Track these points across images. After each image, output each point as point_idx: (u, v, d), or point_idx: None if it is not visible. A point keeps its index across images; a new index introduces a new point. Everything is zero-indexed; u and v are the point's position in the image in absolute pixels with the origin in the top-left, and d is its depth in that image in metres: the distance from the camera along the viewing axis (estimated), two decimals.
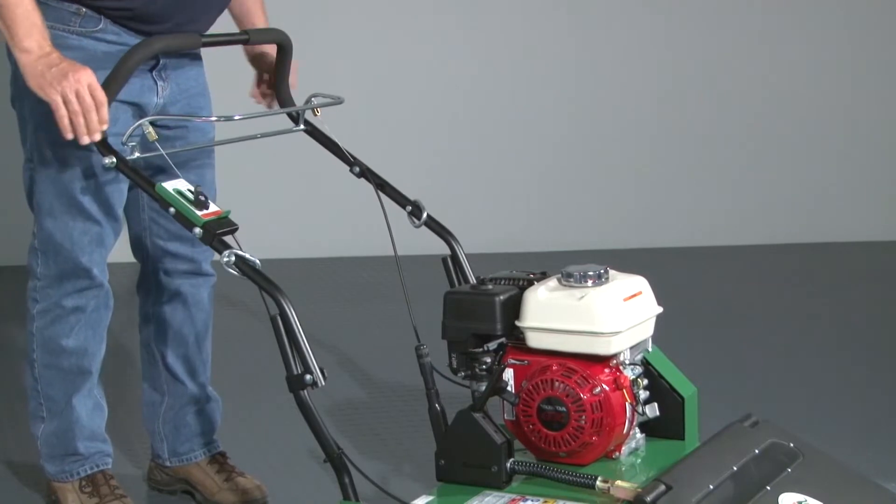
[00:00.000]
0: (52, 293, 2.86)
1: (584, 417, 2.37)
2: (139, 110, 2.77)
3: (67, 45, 2.68)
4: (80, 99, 2.46)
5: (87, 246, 2.82)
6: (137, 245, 3.04)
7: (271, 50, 2.91)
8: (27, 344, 2.95)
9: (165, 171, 2.79)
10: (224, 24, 2.88)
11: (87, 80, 2.47)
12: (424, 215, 2.77)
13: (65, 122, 2.48)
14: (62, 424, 2.95)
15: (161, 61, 2.77)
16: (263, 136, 2.77)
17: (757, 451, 2.34)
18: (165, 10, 2.68)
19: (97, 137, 2.50)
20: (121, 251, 3.04)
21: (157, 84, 2.78)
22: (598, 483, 2.25)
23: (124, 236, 3.01)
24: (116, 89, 2.59)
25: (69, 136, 2.50)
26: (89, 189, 2.77)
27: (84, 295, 2.87)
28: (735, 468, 2.27)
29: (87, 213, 2.79)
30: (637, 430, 2.52)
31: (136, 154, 2.56)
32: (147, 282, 3.07)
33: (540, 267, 2.64)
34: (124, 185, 2.83)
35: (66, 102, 2.46)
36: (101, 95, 2.49)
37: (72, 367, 2.92)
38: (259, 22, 2.99)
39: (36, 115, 2.72)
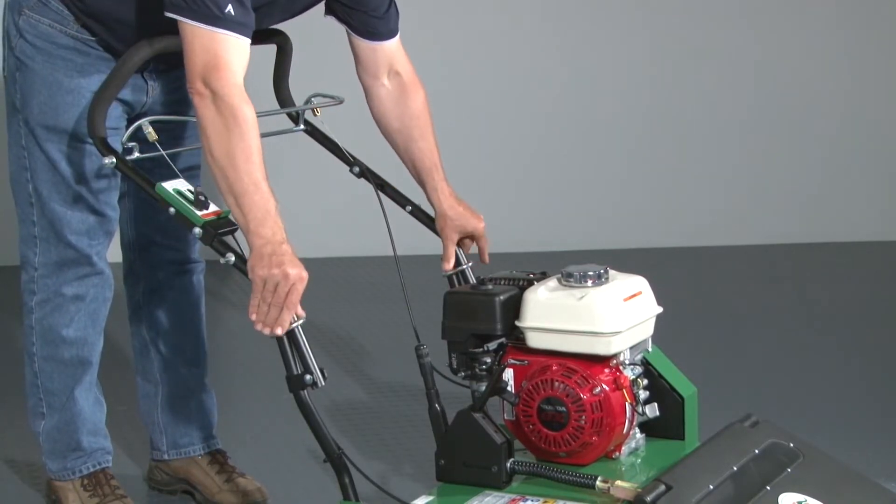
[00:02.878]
0: (50, 282, 2.86)
1: (584, 417, 2.37)
2: (129, 108, 2.78)
3: (62, 43, 2.69)
4: (277, 291, 2.34)
5: (86, 234, 2.82)
6: (122, 234, 3.04)
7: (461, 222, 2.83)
8: (26, 338, 2.95)
9: (157, 171, 2.79)
10: None
11: (292, 281, 2.34)
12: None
13: (254, 302, 2.37)
14: (64, 418, 2.95)
15: (152, 63, 2.76)
16: (263, 136, 2.77)
17: (757, 451, 2.35)
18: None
19: (276, 332, 2.36)
20: (111, 251, 3.03)
21: (147, 84, 2.79)
22: (598, 483, 2.26)
23: (117, 237, 3.01)
24: (116, 89, 2.59)
25: (253, 317, 2.38)
26: (84, 180, 2.78)
27: (84, 283, 2.87)
28: (735, 468, 2.27)
29: (85, 202, 2.80)
30: (637, 430, 2.52)
31: (136, 154, 2.56)
32: (134, 272, 3.07)
33: (540, 267, 2.64)
34: (118, 176, 2.84)
35: (264, 287, 2.35)
36: (295, 301, 2.35)
37: (72, 357, 2.91)
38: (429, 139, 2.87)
39: (33, 105, 2.74)
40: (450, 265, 2.81)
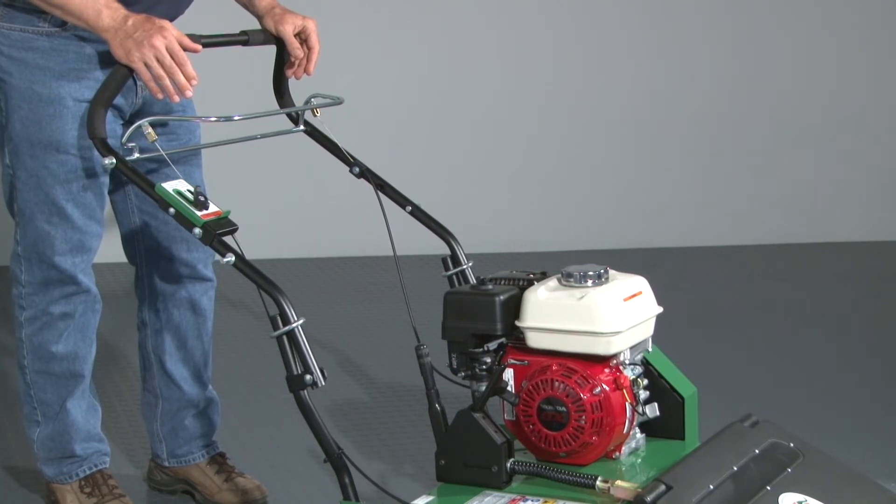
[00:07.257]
0: (38, 300, 2.84)
1: (584, 417, 2.37)
2: (117, 111, 2.76)
3: (38, 46, 2.67)
4: (161, 62, 2.49)
5: (69, 253, 2.79)
6: (130, 249, 3.02)
7: None
8: (17, 350, 2.93)
9: (156, 171, 2.78)
10: (225, 24, 2.88)
11: (164, 44, 2.49)
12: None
13: (151, 85, 2.53)
14: (58, 428, 2.94)
15: None
16: (263, 136, 2.77)
17: (757, 451, 2.34)
18: None
19: (189, 94, 2.53)
20: (121, 251, 3.03)
21: (136, 84, 2.77)
22: (598, 483, 2.25)
23: (117, 237, 3.00)
24: (112, 95, 2.58)
25: (160, 97, 2.54)
26: (70, 195, 2.75)
27: (71, 301, 2.85)
28: (735, 468, 2.27)
29: (68, 220, 2.76)
30: (637, 430, 2.52)
31: (136, 154, 2.56)
32: (141, 286, 3.04)
33: (540, 267, 2.64)
34: (105, 188, 2.82)
35: (149, 69, 2.50)
36: (182, 55, 2.50)
37: (63, 371, 2.90)
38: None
39: (14, 120, 2.72)
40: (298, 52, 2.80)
